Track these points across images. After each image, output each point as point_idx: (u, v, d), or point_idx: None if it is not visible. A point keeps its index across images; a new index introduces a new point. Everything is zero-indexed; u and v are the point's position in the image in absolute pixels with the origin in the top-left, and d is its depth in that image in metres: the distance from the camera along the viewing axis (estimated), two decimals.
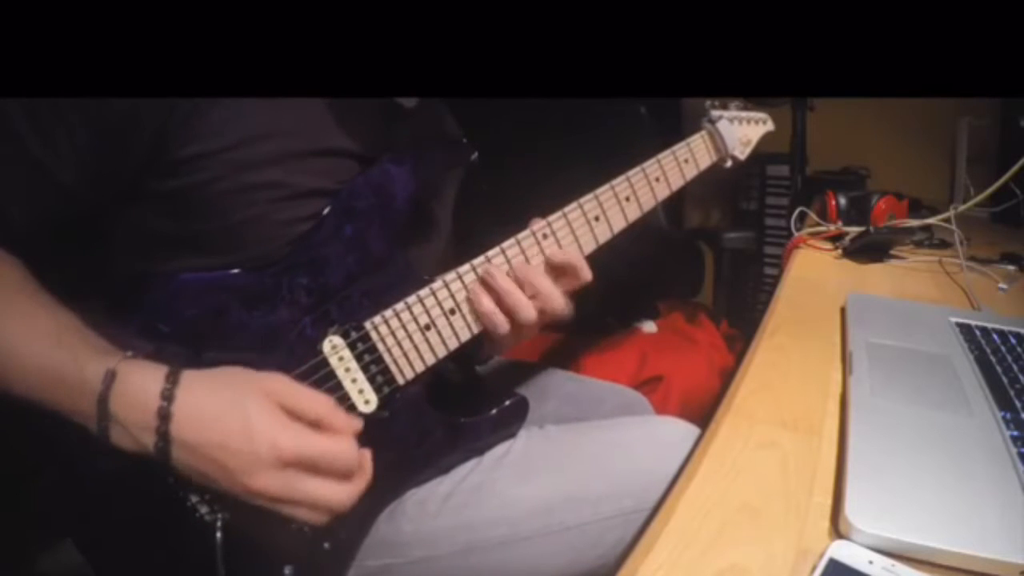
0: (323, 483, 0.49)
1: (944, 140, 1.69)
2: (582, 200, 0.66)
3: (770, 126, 0.89)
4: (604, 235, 0.68)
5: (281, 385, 0.50)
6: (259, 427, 0.47)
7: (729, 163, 0.81)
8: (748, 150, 0.84)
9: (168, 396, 0.47)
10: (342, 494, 0.50)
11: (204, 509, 0.52)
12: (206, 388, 0.48)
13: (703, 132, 0.78)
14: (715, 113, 0.80)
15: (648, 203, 0.70)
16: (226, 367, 0.50)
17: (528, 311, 0.61)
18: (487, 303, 0.60)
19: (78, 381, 0.46)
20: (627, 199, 0.68)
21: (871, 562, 0.37)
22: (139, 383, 0.47)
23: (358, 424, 0.52)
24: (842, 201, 1.18)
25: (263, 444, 0.47)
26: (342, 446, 0.50)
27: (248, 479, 0.47)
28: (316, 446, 0.49)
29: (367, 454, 0.53)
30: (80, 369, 0.47)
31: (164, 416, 0.46)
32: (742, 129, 0.82)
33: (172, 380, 0.47)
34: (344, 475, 0.51)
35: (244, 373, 0.50)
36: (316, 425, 0.50)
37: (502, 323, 0.61)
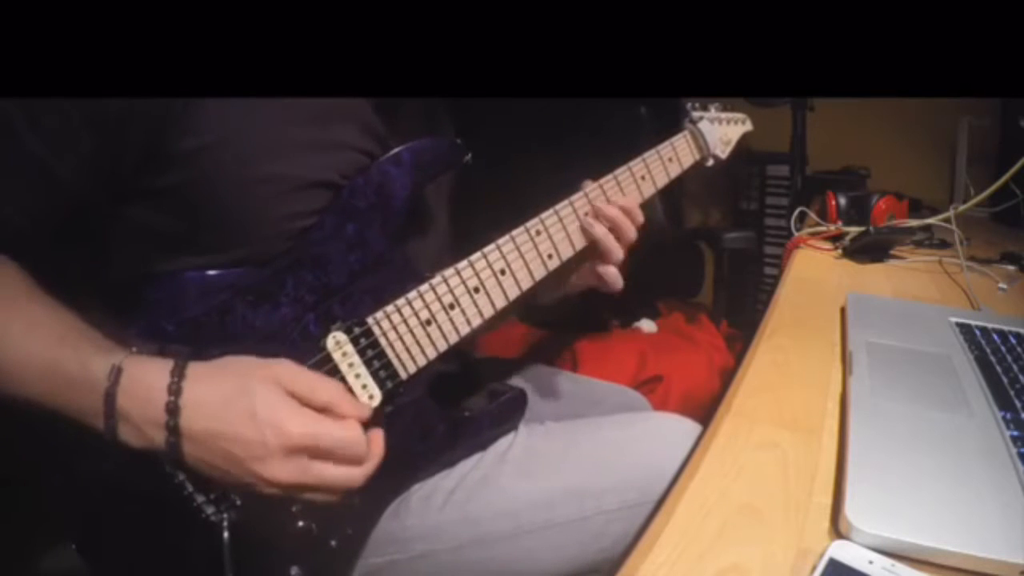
0: (334, 466, 0.49)
1: (944, 140, 1.69)
2: (573, 198, 0.68)
3: (748, 126, 0.91)
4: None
5: (287, 371, 0.50)
6: (265, 414, 0.47)
7: (711, 162, 0.84)
8: (729, 149, 0.87)
9: (175, 390, 0.46)
10: (354, 475, 0.50)
11: (210, 509, 0.52)
12: (212, 379, 0.48)
13: (685, 132, 0.81)
14: (696, 114, 0.83)
15: (635, 200, 0.72)
16: (232, 356, 0.50)
17: (631, 232, 0.69)
18: (600, 229, 0.68)
19: (84, 379, 0.46)
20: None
21: (871, 562, 0.37)
22: (146, 379, 0.47)
23: (366, 411, 0.53)
24: (842, 201, 1.18)
25: (270, 430, 0.46)
26: (350, 432, 0.50)
27: (260, 467, 0.47)
28: (325, 431, 0.48)
29: (379, 433, 0.53)
30: (85, 367, 0.46)
31: (172, 411, 0.46)
32: (722, 129, 0.85)
33: (178, 374, 0.47)
34: (354, 461, 0.50)
35: (249, 361, 0.50)
36: (325, 410, 0.50)
37: (615, 247, 0.68)
